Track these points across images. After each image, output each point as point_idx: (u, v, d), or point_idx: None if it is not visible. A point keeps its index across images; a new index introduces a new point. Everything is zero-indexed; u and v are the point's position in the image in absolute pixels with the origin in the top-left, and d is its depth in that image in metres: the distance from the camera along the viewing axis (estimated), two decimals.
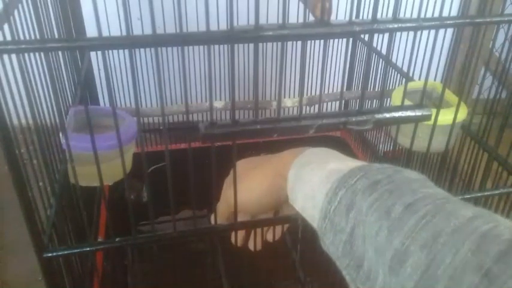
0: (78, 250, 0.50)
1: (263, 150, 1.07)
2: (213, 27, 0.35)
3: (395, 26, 0.37)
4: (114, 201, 0.97)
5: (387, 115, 0.43)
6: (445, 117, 0.61)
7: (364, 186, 0.36)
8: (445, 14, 0.41)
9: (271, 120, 0.41)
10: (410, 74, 0.83)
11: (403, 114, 0.44)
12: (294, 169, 0.45)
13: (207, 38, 0.36)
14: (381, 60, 0.98)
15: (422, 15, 0.40)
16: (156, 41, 0.35)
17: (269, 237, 0.56)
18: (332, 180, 0.39)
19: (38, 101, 0.53)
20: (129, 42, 0.34)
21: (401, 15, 0.81)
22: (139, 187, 1.02)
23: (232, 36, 0.36)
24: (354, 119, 0.42)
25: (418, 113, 0.44)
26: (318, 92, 1.13)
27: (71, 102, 0.77)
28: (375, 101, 0.99)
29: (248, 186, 0.49)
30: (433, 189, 0.36)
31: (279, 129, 0.41)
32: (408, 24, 0.38)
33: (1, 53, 0.35)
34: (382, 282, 0.33)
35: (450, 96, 0.75)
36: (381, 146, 1.09)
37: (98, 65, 0.99)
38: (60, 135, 0.62)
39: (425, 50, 0.69)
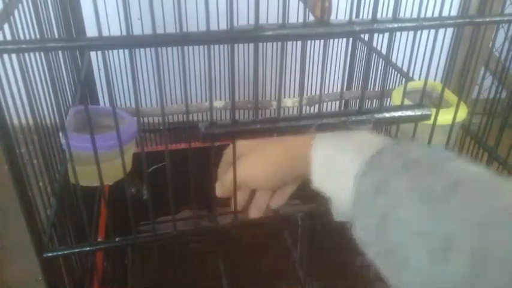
0: (78, 250, 0.50)
1: None
2: (213, 27, 0.35)
3: (395, 25, 0.37)
4: (114, 201, 0.97)
5: (387, 115, 0.43)
6: (445, 117, 0.61)
7: (398, 166, 0.33)
8: (445, 13, 0.41)
9: (271, 119, 0.41)
10: (410, 74, 0.83)
11: (403, 114, 0.44)
12: (319, 150, 0.42)
13: (207, 38, 0.36)
14: (380, 60, 0.98)
15: (422, 15, 0.39)
16: (156, 41, 0.35)
17: (272, 203, 0.52)
18: (363, 159, 0.36)
19: (38, 101, 0.53)
20: (129, 42, 0.34)
21: (401, 15, 0.81)
22: (140, 184, 1.02)
23: (232, 36, 0.36)
24: (354, 119, 0.41)
25: (418, 112, 0.44)
26: (318, 92, 1.13)
27: (70, 102, 0.77)
28: (374, 100, 0.99)
29: (262, 160, 0.46)
30: (473, 167, 0.33)
31: (279, 128, 0.41)
32: (408, 24, 0.38)
33: (1, 52, 0.35)
34: (424, 270, 0.30)
35: (450, 96, 0.75)
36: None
37: (98, 65, 0.99)
38: (60, 135, 0.62)
39: (425, 49, 0.69)
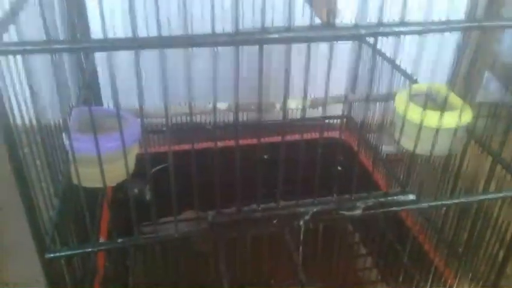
0: (80, 251, 0.50)
1: (267, 152, 1.06)
2: (218, 26, 0.35)
3: (401, 29, 0.37)
4: (118, 202, 0.97)
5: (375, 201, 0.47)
6: (449, 120, 0.61)
7: None
8: (452, 16, 0.41)
9: (271, 208, 0.47)
10: (416, 77, 0.82)
11: (389, 199, 0.47)
12: None
13: (213, 41, 0.36)
14: (386, 62, 0.98)
15: (429, 17, 0.39)
16: (161, 43, 0.35)
17: None
18: None
19: (41, 101, 0.52)
20: (135, 44, 0.34)
21: (409, 17, 0.80)
22: (143, 185, 1.01)
23: (237, 39, 0.36)
24: (346, 206, 0.46)
25: (403, 198, 0.48)
26: (322, 94, 1.13)
27: (74, 103, 0.77)
28: (377, 104, 0.99)
29: None
30: None
31: (279, 215, 0.49)
32: (414, 28, 0.38)
33: (6, 53, 0.35)
34: None
35: (455, 99, 0.75)
36: (384, 148, 1.09)
37: (102, 65, 0.98)
38: (64, 136, 0.62)
39: (431, 52, 0.68)
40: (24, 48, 0.34)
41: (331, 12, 0.36)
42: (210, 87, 0.54)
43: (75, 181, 0.58)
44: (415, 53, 0.50)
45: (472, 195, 0.63)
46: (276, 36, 0.35)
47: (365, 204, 0.48)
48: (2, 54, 0.34)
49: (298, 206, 0.49)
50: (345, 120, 1.21)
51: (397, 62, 0.91)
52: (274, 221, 0.52)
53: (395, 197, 0.50)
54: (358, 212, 0.48)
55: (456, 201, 0.59)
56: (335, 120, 1.22)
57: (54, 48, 0.34)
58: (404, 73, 0.92)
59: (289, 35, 0.36)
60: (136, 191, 1.01)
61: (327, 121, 1.17)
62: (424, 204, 0.53)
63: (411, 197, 0.50)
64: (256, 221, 0.52)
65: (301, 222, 0.50)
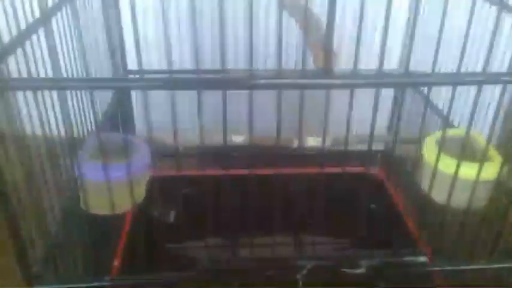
0: (71, 286, 0.48)
1: (285, 183, 1.02)
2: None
3: (405, 81, 0.33)
4: (138, 228, 0.96)
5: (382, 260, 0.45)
6: (484, 172, 0.56)
7: None
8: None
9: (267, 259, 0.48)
10: (452, 120, 0.76)
11: (398, 260, 0.46)
12: None
13: (198, 84, 0.34)
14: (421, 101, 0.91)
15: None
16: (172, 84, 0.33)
17: None
18: None
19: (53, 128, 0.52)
20: (142, 84, 0.33)
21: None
22: (163, 207, 1.01)
23: (223, 84, 0.34)
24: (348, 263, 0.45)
25: (413, 259, 0.44)
26: (344, 129, 1.06)
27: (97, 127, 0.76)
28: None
29: None
30: None
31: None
32: (422, 80, 0.34)
33: (17, 89, 0.35)
34: None
35: (492, 150, 0.68)
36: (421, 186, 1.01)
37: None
38: (73, 162, 0.61)
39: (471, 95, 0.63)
40: (33, 85, 0.33)
41: (328, 57, 0.33)
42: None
43: (83, 207, 0.58)
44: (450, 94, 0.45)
45: (492, 262, 0.55)
46: (264, 82, 0.33)
47: (369, 263, 0.44)
48: (12, 89, 0.33)
49: (296, 259, 0.46)
50: (379, 155, 1.15)
51: (435, 102, 0.85)
52: (268, 273, 0.49)
53: (404, 258, 0.46)
54: (361, 270, 0.44)
55: (473, 267, 0.51)
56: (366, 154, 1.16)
57: (65, 86, 0.34)
58: (440, 115, 0.85)
59: (279, 82, 0.33)
60: (156, 213, 1.00)
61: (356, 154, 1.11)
62: (437, 269, 0.47)
63: (422, 259, 0.45)
64: (249, 269, 0.49)
65: (298, 277, 0.46)
